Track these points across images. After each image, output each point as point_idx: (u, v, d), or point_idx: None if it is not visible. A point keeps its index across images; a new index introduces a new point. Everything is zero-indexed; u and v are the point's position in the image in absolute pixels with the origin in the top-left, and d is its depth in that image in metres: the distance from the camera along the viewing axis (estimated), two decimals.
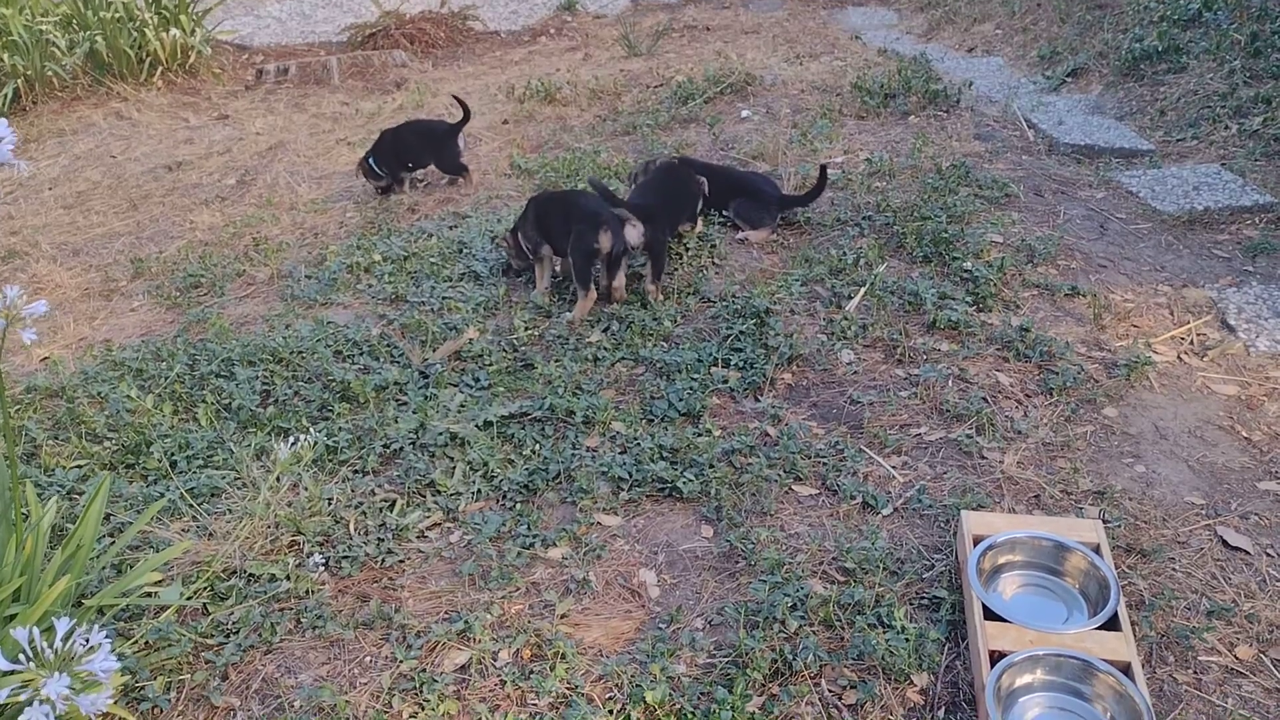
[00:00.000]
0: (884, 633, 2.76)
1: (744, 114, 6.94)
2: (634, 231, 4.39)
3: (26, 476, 3.43)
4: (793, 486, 3.40)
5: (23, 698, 1.84)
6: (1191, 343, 4.02)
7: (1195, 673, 2.65)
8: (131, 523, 2.98)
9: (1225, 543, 3.06)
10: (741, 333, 4.16)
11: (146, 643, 2.87)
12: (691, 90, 7.35)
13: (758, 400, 3.84)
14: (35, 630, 1.88)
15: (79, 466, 3.61)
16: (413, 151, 6.19)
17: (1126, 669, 2.48)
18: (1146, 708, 2.35)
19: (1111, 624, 2.61)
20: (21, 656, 1.87)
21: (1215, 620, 2.79)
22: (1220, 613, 2.80)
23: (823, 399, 3.84)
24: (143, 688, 2.71)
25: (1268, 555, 3.02)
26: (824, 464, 3.47)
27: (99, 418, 3.88)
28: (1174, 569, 2.97)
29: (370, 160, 6.16)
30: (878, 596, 2.89)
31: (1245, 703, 2.57)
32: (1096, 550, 2.82)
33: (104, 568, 3.04)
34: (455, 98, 6.46)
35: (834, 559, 3.07)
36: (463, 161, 6.22)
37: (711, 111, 6.99)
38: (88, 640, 1.92)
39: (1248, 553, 3.02)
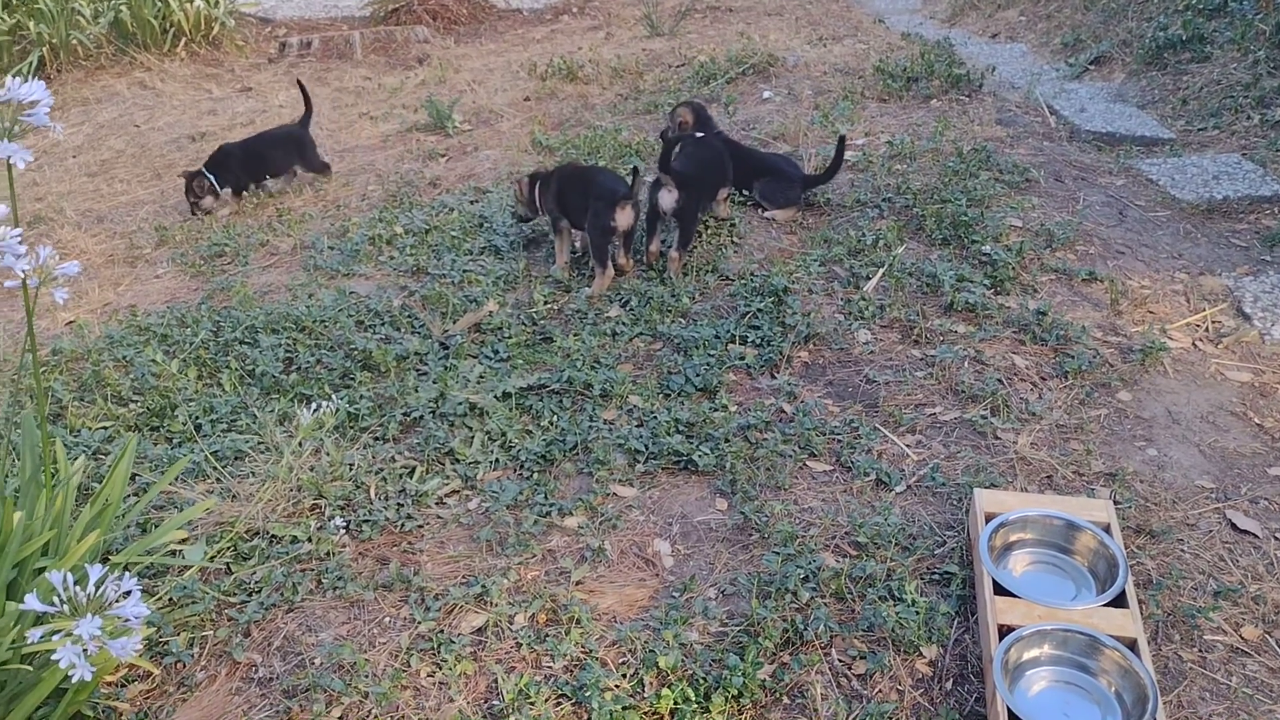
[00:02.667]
0: (894, 605, 2.80)
1: (765, 95, 6.95)
2: (669, 197, 4.44)
3: (54, 436, 3.49)
4: (807, 462, 3.44)
5: (55, 640, 1.90)
6: (1207, 330, 4.04)
7: (1200, 651, 2.69)
8: (155, 482, 3.04)
9: (1234, 526, 3.09)
10: (759, 311, 4.19)
11: (170, 599, 2.93)
12: (713, 70, 7.36)
13: (774, 377, 3.88)
14: (69, 575, 1.93)
15: (104, 428, 3.68)
16: (271, 163, 6.15)
17: (1133, 645, 2.51)
18: (1151, 683, 2.39)
19: (1119, 601, 2.65)
20: (55, 600, 1.93)
21: (1222, 600, 2.82)
22: (1227, 593, 2.83)
23: (839, 377, 3.88)
24: (167, 642, 2.78)
25: (1276, 539, 3.05)
26: (839, 441, 3.51)
27: (124, 381, 3.94)
28: (1182, 550, 3.00)
29: (210, 176, 5.92)
30: (889, 570, 2.93)
31: (1249, 681, 2.61)
32: (1107, 530, 2.85)
33: (129, 526, 3.10)
34: (299, 83, 6.51)
35: (846, 533, 3.11)
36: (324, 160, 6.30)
37: (733, 92, 7.00)
38: (119, 587, 1.97)
39: (1256, 536, 3.05)
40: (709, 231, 4.94)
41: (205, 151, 7.02)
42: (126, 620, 1.97)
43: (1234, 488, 3.24)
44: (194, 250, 5.34)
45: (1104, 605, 2.63)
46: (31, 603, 1.91)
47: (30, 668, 2.27)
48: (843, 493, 3.30)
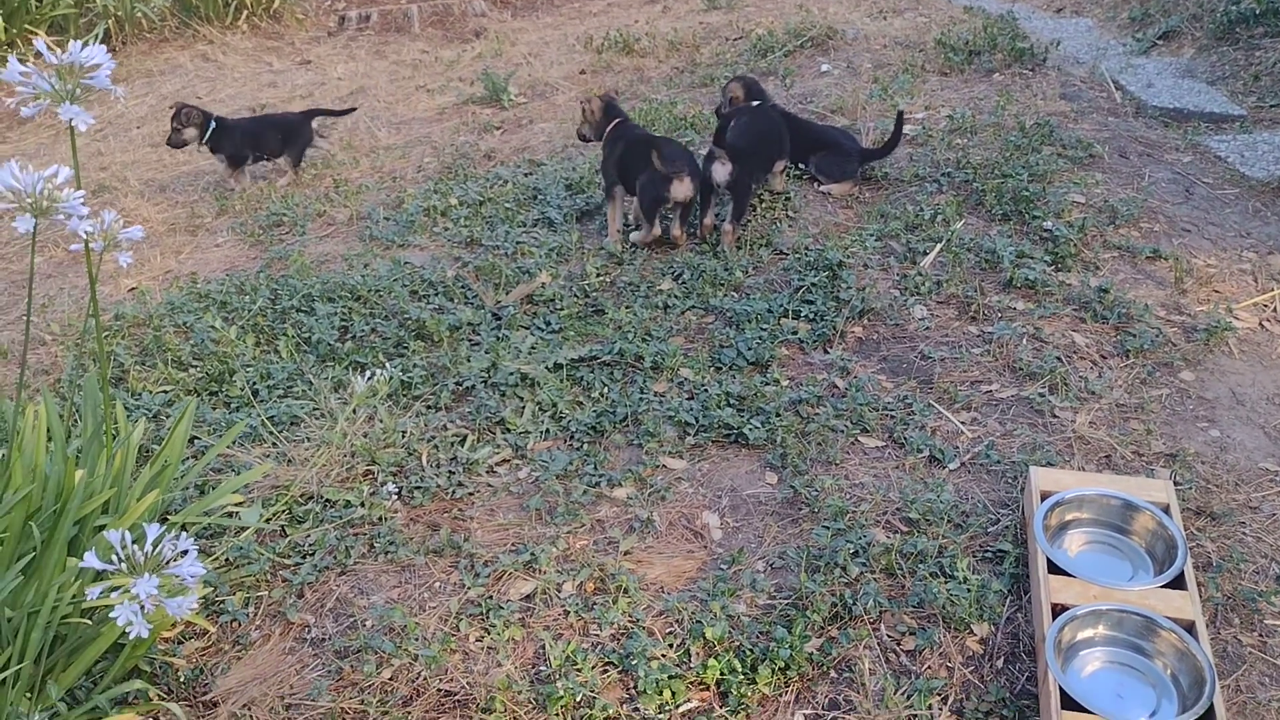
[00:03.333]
0: (945, 582, 2.77)
1: (824, 68, 6.86)
2: (722, 169, 4.42)
3: (115, 399, 3.56)
4: (859, 438, 3.40)
5: (113, 597, 1.94)
6: (1275, 310, 3.93)
7: (1260, 635, 2.63)
8: (213, 445, 3.09)
9: None
10: (813, 285, 4.15)
11: (227, 560, 2.98)
12: (771, 43, 7.28)
13: (827, 352, 3.84)
14: (127, 534, 1.97)
15: (165, 392, 3.74)
16: (267, 143, 6.05)
17: (1190, 627, 2.46)
18: (1209, 665, 2.34)
19: (1177, 583, 2.59)
20: (114, 558, 1.97)
21: None
22: None
23: (893, 353, 3.83)
24: (223, 601, 2.83)
25: None
26: (892, 417, 3.47)
27: (184, 346, 4.01)
28: (1244, 533, 2.93)
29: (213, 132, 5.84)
30: (941, 547, 2.90)
31: None
32: (1166, 510, 2.79)
33: (187, 488, 3.16)
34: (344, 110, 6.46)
35: (898, 509, 3.08)
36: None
37: (790, 65, 6.92)
38: (175, 547, 2.00)
39: None
40: (763, 205, 4.90)
41: None
42: (183, 579, 2.00)
43: None
44: (253, 220, 5.41)
45: (1161, 586, 2.58)
46: (91, 560, 1.95)
47: (90, 622, 2.33)
48: (895, 469, 3.26)
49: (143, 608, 1.93)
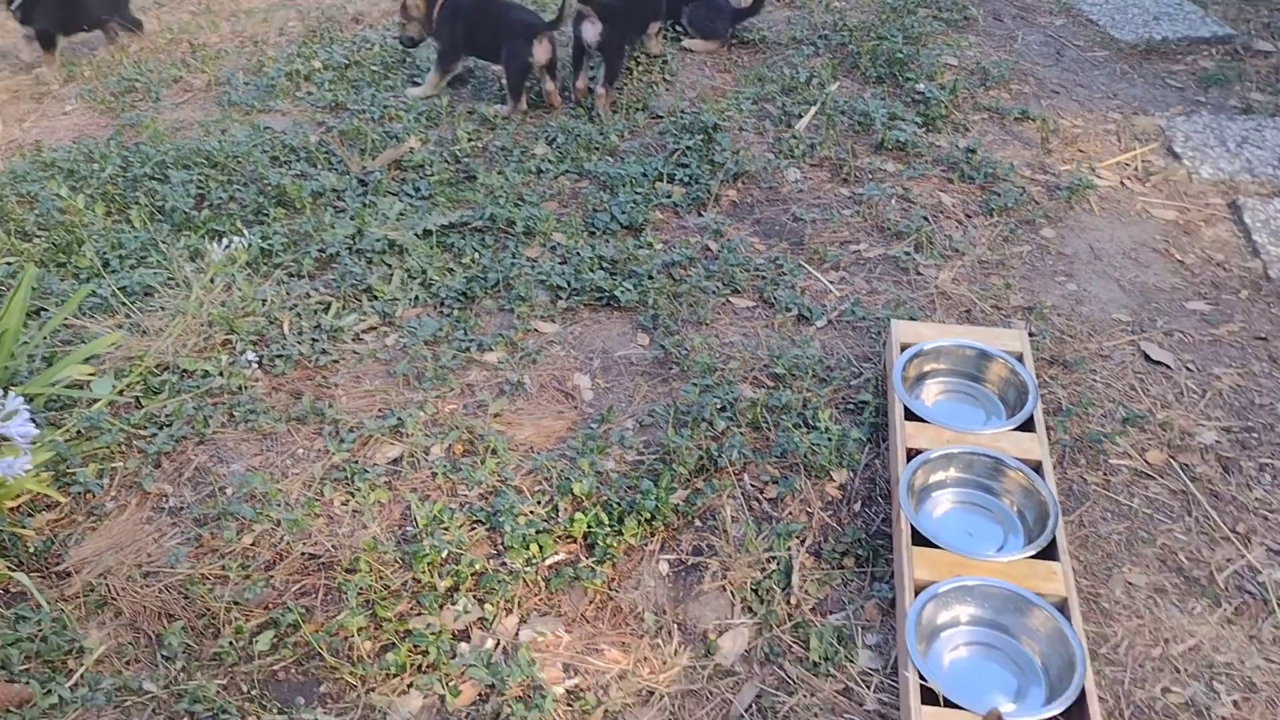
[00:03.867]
0: (808, 433, 2.82)
1: None
2: (591, 29, 4.29)
3: None
4: (730, 299, 3.41)
5: None
6: (1136, 169, 4.02)
7: (1105, 474, 2.75)
8: (56, 313, 2.95)
9: (1147, 357, 3.13)
10: (688, 148, 4.10)
11: (78, 432, 2.87)
12: None
13: (701, 215, 3.82)
14: None
15: (8, 263, 3.54)
16: (89, 13, 5.56)
17: (1038, 467, 2.56)
18: (1053, 501, 2.44)
19: (1027, 426, 2.68)
20: None
21: (1129, 427, 2.87)
22: (1135, 420, 2.89)
23: (766, 216, 3.82)
24: (74, 473, 2.73)
25: (1188, 370, 3.10)
26: (763, 278, 3.48)
27: (28, 216, 3.79)
28: (1095, 380, 3.04)
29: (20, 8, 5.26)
30: (805, 400, 2.95)
31: (1150, 502, 2.68)
32: (1019, 359, 2.87)
33: (33, 358, 3.02)
34: None
35: (765, 366, 3.11)
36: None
37: None
38: (3, 407, 1.91)
39: (1168, 367, 3.10)
40: (639, 68, 4.79)
41: None
42: (14, 439, 1.91)
43: (1150, 321, 3.28)
44: (103, 86, 5.09)
45: (1012, 430, 2.67)
46: None
47: None
48: (764, 328, 3.29)
49: None
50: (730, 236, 3.69)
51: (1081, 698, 2.08)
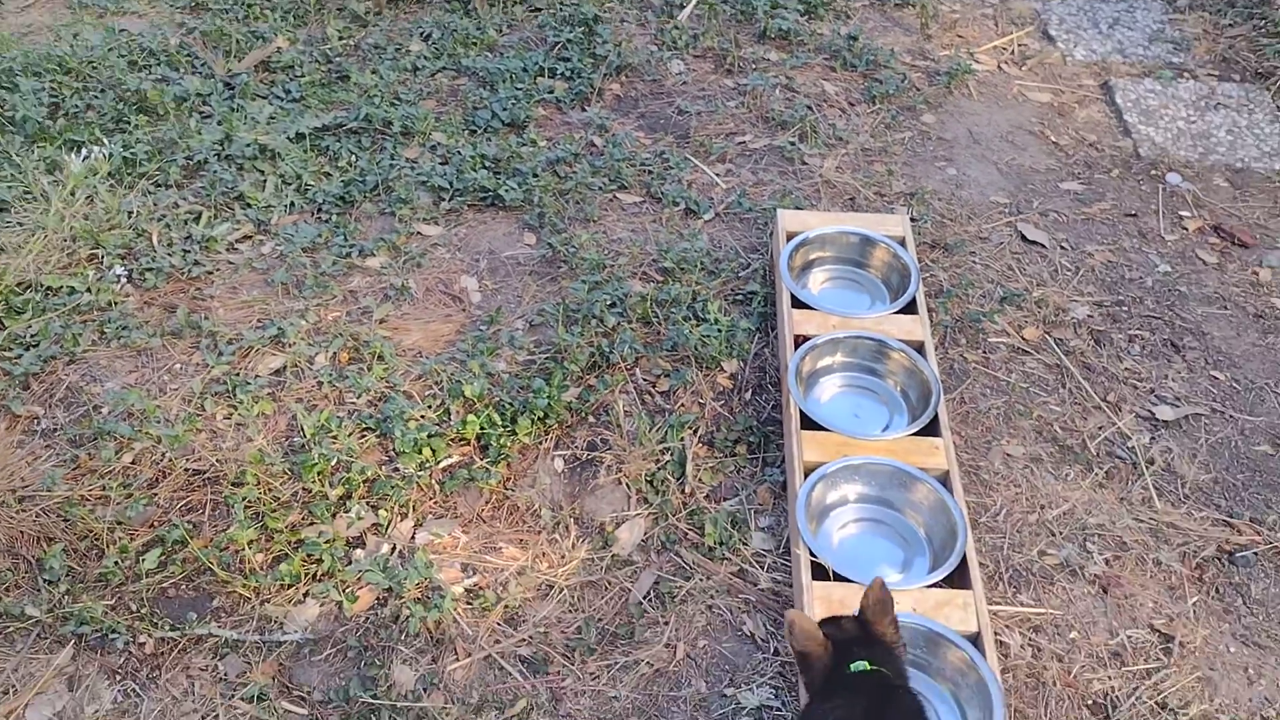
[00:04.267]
0: (698, 325, 2.83)
1: None
2: None
3: None
4: (617, 194, 3.37)
5: None
6: (1013, 53, 4.07)
7: (984, 352, 2.83)
8: None
9: (1024, 237, 3.21)
10: (569, 41, 4.00)
11: None
12: None
13: (584, 110, 3.75)
14: None
15: None
16: None
17: (920, 348, 2.62)
18: (935, 380, 2.51)
19: (910, 309, 2.74)
20: None
21: (1007, 305, 2.95)
22: (1012, 299, 2.97)
23: (650, 109, 3.77)
24: None
25: (1061, 248, 3.18)
26: (649, 172, 3.45)
27: None
28: (974, 261, 3.11)
29: None
30: (694, 293, 2.95)
31: (1027, 377, 2.77)
32: (901, 244, 2.91)
33: None
34: None
35: (654, 260, 3.10)
36: None
37: None
38: None
39: (1043, 246, 3.18)
40: None
41: None
42: None
43: (1026, 202, 3.35)
44: None
45: (895, 313, 2.72)
46: None
47: None
48: (652, 222, 3.26)
49: None
50: (615, 131, 3.63)
51: (963, 564, 2.16)
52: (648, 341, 2.83)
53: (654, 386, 2.72)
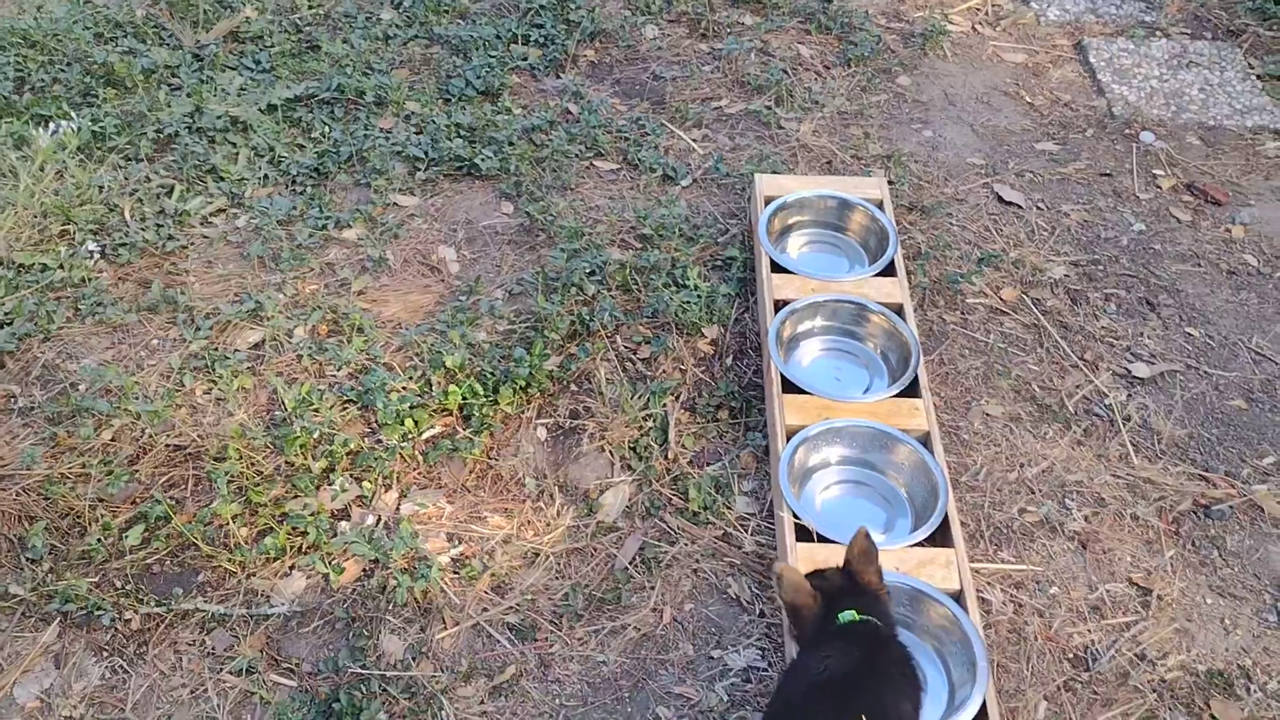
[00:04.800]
0: (678, 292, 2.83)
1: None
2: None
3: None
4: (594, 162, 3.36)
5: None
6: (987, 13, 4.06)
7: (962, 313, 2.85)
8: None
9: (1000, 198, 3.22)
10: (542, 8, 3.96)
11: None
12: None
13: (559, 78, 3.72)
14: None
15: None
16: None
17: (899, 310, 2.63)
18: (914, 341, 2.52)
19: (889, 272, 2.75)
20: None
21: (985, 266, 2.97)
22: (990, 259, 2.98)
23: (626, 75, 3.75)
24: None
25: (1038, 208, 3.20)
26: (625, 139, 3.43)
27: None
28: (951, 223, 3.12)
29: None
30: (673, 260, 2.95)
31: (1005, 337, 2.79)
32: (879, 206, 2.92)
33: None
34: None
35: (632, 228, 3.09)
36: None
37: None
38: None
39: (1020, 207, 3.20)
40: None
41: None
42: None
43: (1002, 163, 3.36)
44: None
45: (874, 276, 2.73)
46: None
47: None
48: (629, 190, 3.26)
49: None
50: (590, 98, 3.61)
51: (945, 523, 2.19)
52: (628, 309, 2.83)
53: (635, 354, 2.72)
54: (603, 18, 3.93)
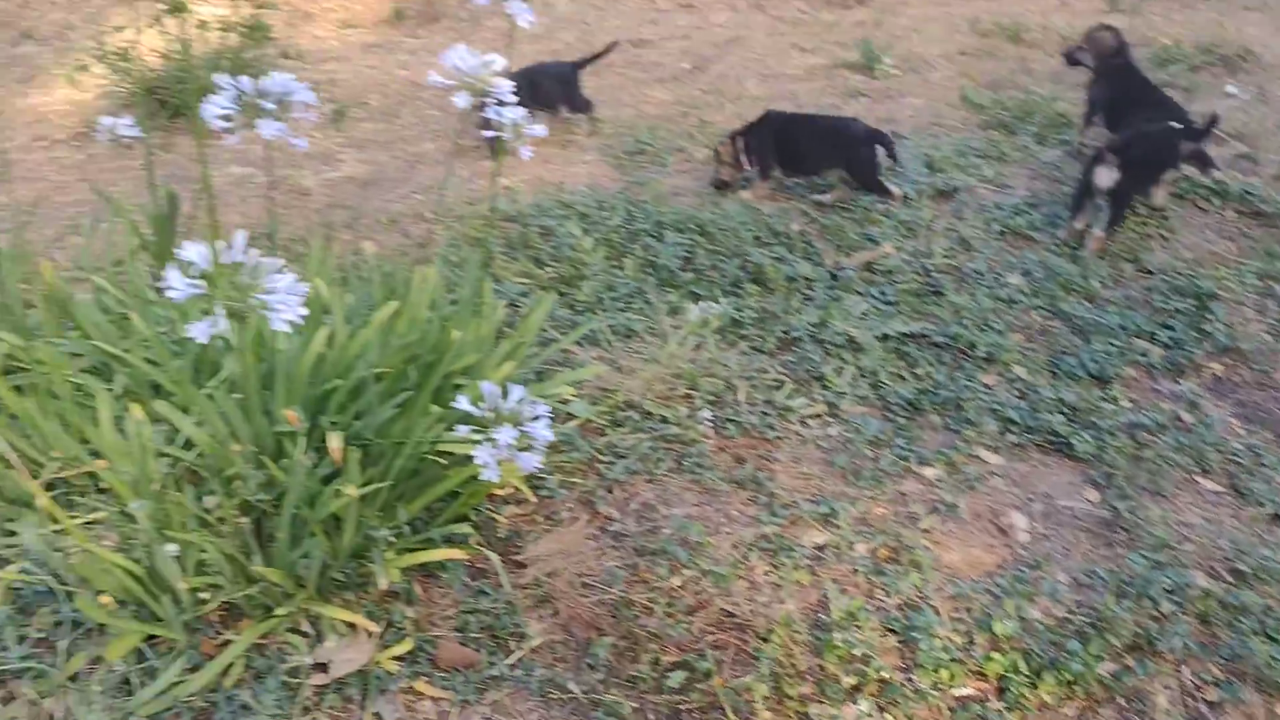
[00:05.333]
0: (1267, 644, 2.57)
1: (1229, 90, 6.32)
2: (1106, 173, 4.18)
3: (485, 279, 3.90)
4: (1197, 477, 3.20)
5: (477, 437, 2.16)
6: None
7: None
8: (559, 339, 3.34)
9: None
10: (1177, 310, 3.89)
11: (553, 445, 3.21)
12: (1175, 54, 6.79)
13: (1177, 383, 3.61)
14: (496, 387, 2.18)
15: (523, 284, 4.05)
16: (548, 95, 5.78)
17: None
18: None
19: None
20: (479, 406, 2.19)
21: None
22: None
23: (1252, 399, 3.55)
24: (544, 478, 3.06)
25: None
26: (1238, 463, 3.23)
27: (544, 247, 4.31)
28: None
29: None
30: (1268, 607, 2.69)
31: None
32: None
33: (529, 372, 3.42)
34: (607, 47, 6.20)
35: (1226, 558, 2.87)
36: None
37: (1194, 80, 6.43)
38: (534, 409, 2.20)
39: None
40: (1135, 218, 4.61)
41: (642, 58, 7.43)
42: (533, 439, 2.19)
43: None
44: (619, 145, 5.69)
45: None
46: (463, 403, 2.18)
47: (443, 462, 2.59)
48: (1230, 517, 3.04)
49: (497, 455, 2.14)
50: (1208, 412, 3.45)
51: None
52: (1203, 641, 2.61)
53: (1200, 692, 2.50)
54: (1241, 336, 3.77)
